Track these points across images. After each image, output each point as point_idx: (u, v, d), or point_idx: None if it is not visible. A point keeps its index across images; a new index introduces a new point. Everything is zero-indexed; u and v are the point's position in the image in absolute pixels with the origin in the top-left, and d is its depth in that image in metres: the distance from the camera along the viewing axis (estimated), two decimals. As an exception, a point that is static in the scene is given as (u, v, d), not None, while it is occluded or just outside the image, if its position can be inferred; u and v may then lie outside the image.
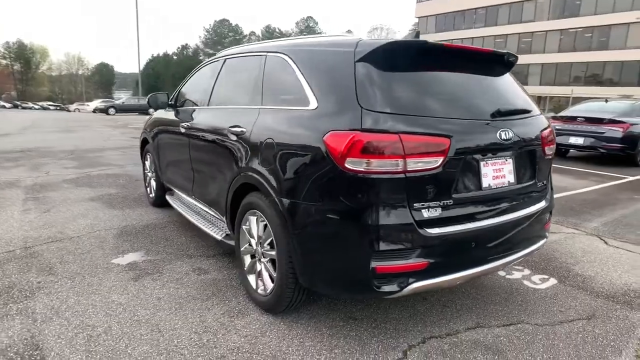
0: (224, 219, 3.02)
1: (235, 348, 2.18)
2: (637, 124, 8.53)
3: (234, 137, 2.70)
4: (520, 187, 2.33)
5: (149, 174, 4.83)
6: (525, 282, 3.07)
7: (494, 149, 2.14)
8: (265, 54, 2.77)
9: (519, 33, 45.32)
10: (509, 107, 2.32)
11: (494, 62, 2.45)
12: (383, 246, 1.88)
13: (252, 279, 2.66)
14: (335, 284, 2.14)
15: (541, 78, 45.51)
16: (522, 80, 45.80)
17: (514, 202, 2.30)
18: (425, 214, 1.94)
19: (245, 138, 2.57)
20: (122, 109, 31.47)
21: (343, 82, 2.04)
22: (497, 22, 47.46)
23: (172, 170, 4.02)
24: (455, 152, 1.97)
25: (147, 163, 4.84)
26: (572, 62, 41.72)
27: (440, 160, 1.93)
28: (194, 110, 3.52)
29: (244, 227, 2.68)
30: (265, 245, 2.48)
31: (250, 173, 2.48)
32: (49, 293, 2.70)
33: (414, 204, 1.91)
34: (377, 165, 1.85)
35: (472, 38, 49.64)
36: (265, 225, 2.43)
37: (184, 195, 3.81)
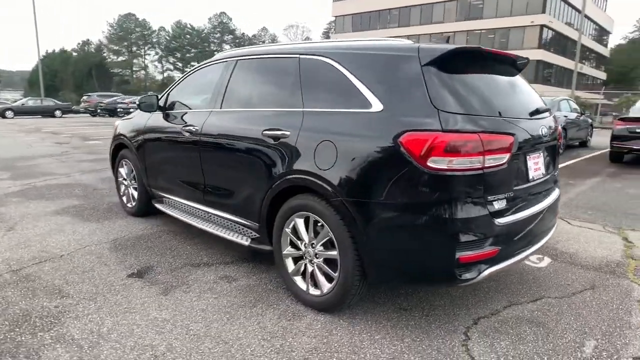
0: (250, 223, 2.97)
1: (312, 349, 2.20)
2: None
3: (271, 141, 2.68)
4: (548, 177, 2.63)
5: (125, 182, 4.52)
6: (527, 262, 3.42)
7: (536, 144, 2.40)
8: (296, 56, 2.78)
9: (430, 33, 48.39)
10: (537, 106, 2.60)
11: (514, 65, 2.72)
12: (465, 237, 2.03)
13: (299, 280, 2.67)
14: (416, 276, 2.25)
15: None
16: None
17: (545, 191, 2.59)
18: (496, 205, 2.14)
19: (290, 141, 2.56)
20: (22, 112, 28.13)
21: (412, 86, 2.15)
22: (409, 22, 50.24)
23: (168, 177, 3.82)
24: (515, 148, 2.19)
25: (123, 171, 4.52)
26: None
27: (507, 156, 2.13)
28: (201, 113, 3.37)
29: (286, 230, 2.68)
30: (318, 246, 2.51)
31: (299, 176, 2.49)
32: (76, 317, 2.47)
33: (488, 197, 2.09)
34: (459, 163, 2.00)
35: (387, 38, 52.16)
36: (321, 226, 2.46)
37: (186, 202, 3.63)
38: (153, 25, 79.84)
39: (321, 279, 2.54)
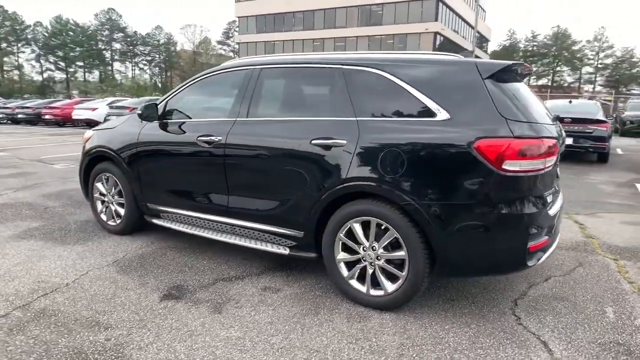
0: (291, 232, 2.98)
1: (400, 345, 2.34)
2: (607, 123, 9.56)
3: (321, 150, 2.74)
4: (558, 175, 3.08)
5: (105, 199, 4.14)
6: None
7: (559, 146, 2.81)
8: (338, 67, 2.86)
9: (334, 37, 50.26)
10: (550, 112, 3.02)
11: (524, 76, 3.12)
12: (533, 229, 2.34)
13: (355, 284, 2.77)
14: (488, 267, 2.50)
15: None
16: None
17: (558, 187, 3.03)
18: (548, 199, 2.47)
19: (347, 149, 2.65)
20: None
21: (477, 97, 2.39)
22: (313, 26, 51.56)
23: (174, 190, 3.61)
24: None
25: (101, 186, 4.13)
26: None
27: (555, 158, 2.48)
28: (223, 123, 3.27)
29: (340, 235, 2.76)
30: (380, 249, 2.64)
31: (363, 182, 2.60)
32: (140, 348, 2.30)
33: (544, 193, 2.42)
34: (528, 165, 2.29)
35: (293, 40, 52.83)
36: (385, 229, 2.59)
37: (198, 216, 3.47)
38: (27, 20, 70.98)
39: (383, 279, 2.67)
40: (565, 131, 6.31)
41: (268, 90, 3.20)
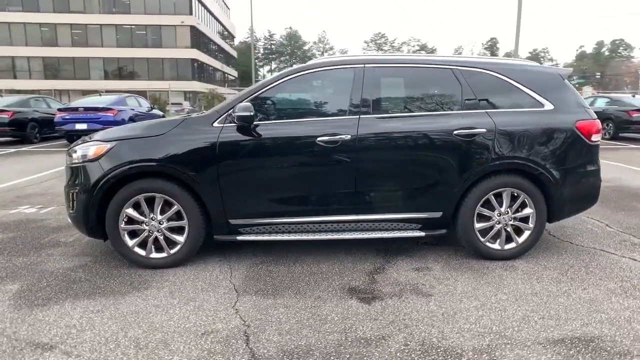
0: (428, 215, 3.37)
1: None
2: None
3: (463, 139, 3.27)
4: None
5: (145, 227, 3.30)
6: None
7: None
8: (449, 67, 3.41)
9: (70, 24, 43.03)
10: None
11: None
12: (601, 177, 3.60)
13: (491, 244, 3.45)
14: (582, 206, 3.60)
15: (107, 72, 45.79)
16: (84, 74, 44.45)
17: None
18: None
19: (487, 136, 3.28)
20: None
21: (566, 93, 3.45)
22: (39, 7, 42.69)
23: (284, 198, 3.33)
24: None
25: (133, 211, 3.26)
26: (133, 58, 44.52)
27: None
28: (345, 120, 3.27)
29: (478, 206, 3.39)
30: (511, 212, 3.42)
31: (504, 161, 3.30)
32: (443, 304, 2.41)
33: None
34: (598, 137, 3.49)
35: (9, 23, 42.43)
36: (516, 196, 3.38)
37: (310, 220, 3.31)
38: None
39: (512, 234, 3.46)
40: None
41: (386, 88, 3.40)
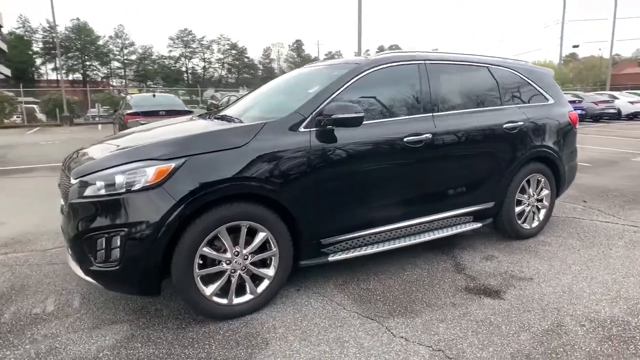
0: (481, 207, 3.58)
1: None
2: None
3: (509, 132, 3.58)
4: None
5: (227, 266, 2.56)
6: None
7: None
8: (485, 65, 3.67)
9: None
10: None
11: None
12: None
13: (523, 225, 3.88)
14: (570, 182, 4.27)
15: None
16: None
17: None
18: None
19: (524, 128, 3.66)
20: None
21: (558, 89, 4.09)
22: None
23: (370, 207, 3.00)
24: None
25: (209, 250, 2.51)
26: None
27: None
28: (419, 119, 3.16)
29: (519, 194, 3.78)
30: (536, 194, 3.92)
31: (539, 149, 3.75)
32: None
33: None
34: (577, 126, 4.28)
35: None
36: (539, 180, 3.89)
37: (382, 229, 3.06)
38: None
39: (536, 214, 3.96)
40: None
41: (443, 85, 3.39)
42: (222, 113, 3.66)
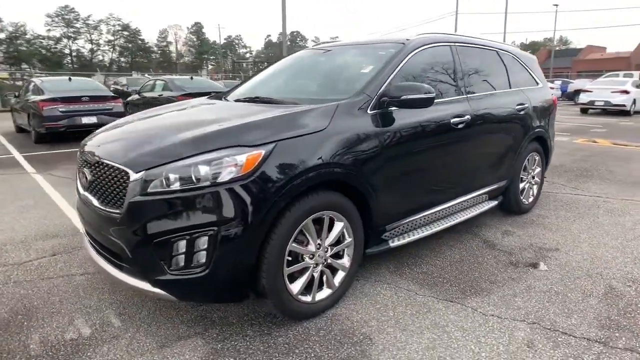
0: (496, 185, 3.76)
1: (570, 211, 4.28)
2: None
3: (520, 112, 3.81)
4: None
5: (311, 260, 2.36)
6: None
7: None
8: (495, 49, 3.84)
9: None
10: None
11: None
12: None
13: (524, 200, 4.18)
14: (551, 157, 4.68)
15: None
16: None
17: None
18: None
19: (529, 109, 3.92)
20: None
21: (542, 73, 4.43)
22: None
23: (425, 190, 2.97)
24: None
25: (297, 246, 2.30)
26: None
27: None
28: (457, 101, 3.20)
29: (525, 171, 4.06)
30: (533, 172, 4.24)
31: (537, 129, 4.03)
32: (629, 274, 2.95)
33: None
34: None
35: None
36: (534, 160, 4.22)
37: (426, 213, 3.07)
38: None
39: (533, 190, 4.29)
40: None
41: (470, 67, 3.44)
42: (237, 95, 3.33)
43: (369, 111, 2.58)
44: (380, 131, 2.59)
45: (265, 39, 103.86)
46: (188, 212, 1.99)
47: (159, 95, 10.69)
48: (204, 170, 1.99)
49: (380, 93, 2.65)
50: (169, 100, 9.15)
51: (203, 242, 2.00)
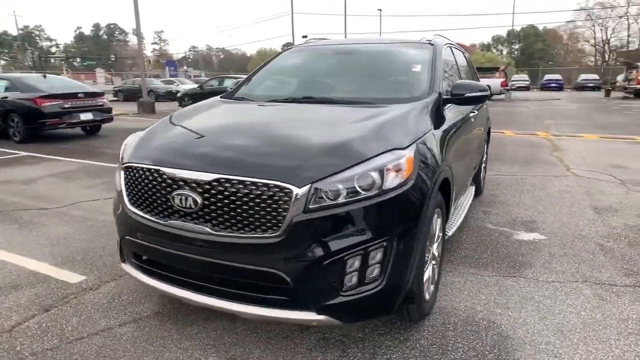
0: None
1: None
2: None
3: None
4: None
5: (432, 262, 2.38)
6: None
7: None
8: (461, 50, 4.34)
9: None
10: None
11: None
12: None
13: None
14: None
15: None
16: None
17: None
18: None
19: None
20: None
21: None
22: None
23: (465, 178, 3.36)
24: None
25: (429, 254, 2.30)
26: None
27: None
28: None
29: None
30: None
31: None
32: None
33: None
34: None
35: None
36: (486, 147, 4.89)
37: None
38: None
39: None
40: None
41: (461, 65, 3.88)
42: (266, 97, 3.02)
43: (440, 107, 2.69)
44: (453, 125, 2.75)
45: (76, 31, 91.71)
46: (361, 225, 1.81)
47: (3, 98, 8.87)
48: (372, 178, 1.83)
49: (443, 91, 2.78)
50: (15, 103, 8.70)
51: (377, 255, 1.85)
